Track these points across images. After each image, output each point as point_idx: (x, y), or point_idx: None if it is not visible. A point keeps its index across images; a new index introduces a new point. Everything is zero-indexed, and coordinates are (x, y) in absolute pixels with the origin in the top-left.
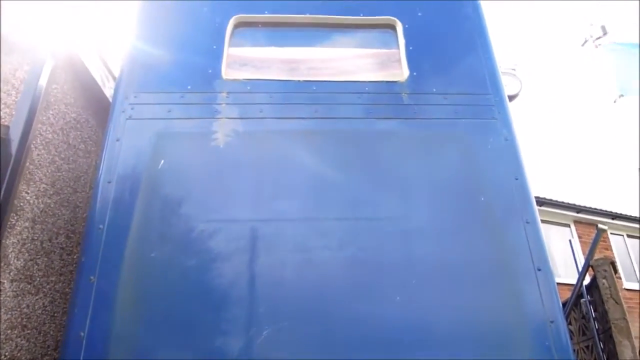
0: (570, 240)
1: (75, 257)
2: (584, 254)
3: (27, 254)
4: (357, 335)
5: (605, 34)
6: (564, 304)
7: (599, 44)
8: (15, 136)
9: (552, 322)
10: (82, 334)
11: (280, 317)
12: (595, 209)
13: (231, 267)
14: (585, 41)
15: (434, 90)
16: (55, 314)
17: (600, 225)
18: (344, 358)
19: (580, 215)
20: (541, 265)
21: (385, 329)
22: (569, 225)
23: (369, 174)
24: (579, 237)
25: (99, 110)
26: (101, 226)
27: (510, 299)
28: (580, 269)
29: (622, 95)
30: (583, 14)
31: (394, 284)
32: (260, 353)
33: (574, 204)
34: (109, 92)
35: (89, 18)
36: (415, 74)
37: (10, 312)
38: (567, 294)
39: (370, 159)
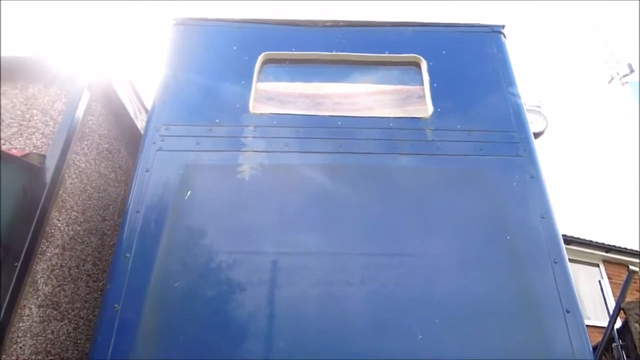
0: (600, 281)
1: (101, 284)
2: (614, 295)
3: (55, 280)
4: None
5: (632, 71)
6: (594, 348)
7: (626, 82)
8: (50, 165)
9: None
10: None
11: (301, 352)
12: (625, 248)
13: (252, 299)
14: (612, 78)
15: (458, 126)
16: (79, 341)
17: (631, 267)
18: None
19: (609, 254)
20: (570, 307)
21: None
22: (598, 265)
23: (393, 209)
24: (609, 277)
25: (131, 141)
26: (128, 254)
27: (538, 341)
28: (610, 312)
29: None
30: (609, 50)
31: (416, 322)
32: None
33: (603, 243)
34: (140, 124)
35: (124, 51)
36: (439, 110)
37: (35, 338)
38: (597, 337)
39: (394, 195)
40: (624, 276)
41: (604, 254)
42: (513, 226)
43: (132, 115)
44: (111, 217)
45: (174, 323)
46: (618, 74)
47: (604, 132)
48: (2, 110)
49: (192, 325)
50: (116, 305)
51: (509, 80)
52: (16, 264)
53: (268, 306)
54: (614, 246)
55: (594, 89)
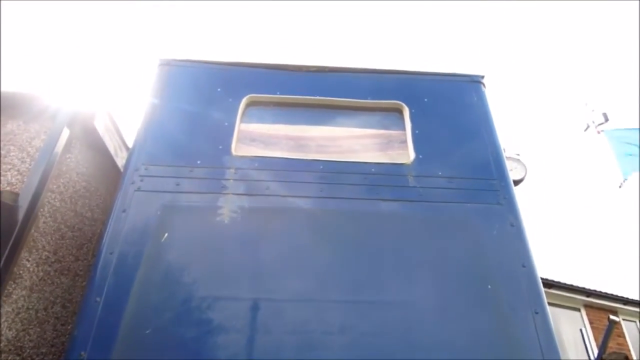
0: (581, 330)
1: (69, 327)
2: (595, 340)
3: (19, 324)
4: None
5: (606, 120)
6: None
7: (601, 130)
8: (24, 203)
9: None
10: None
11: None
12: (606, 293)
13: (228, 347)
14: (588, 127)
15: (440, 173)
16: None
17: (612, 317)
18: None
19: (590, 299)
20: (551, 358)
21: None
22: (579, 310)
23: (373, 256)
24: (590, 322)
25: (110, 179)
26: (98, 299)
27: None
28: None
29: (626, 180)
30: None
31: None
32: None
33: (584, 288)
34: (121, 161)
35: (107, 88)
36: (421, 156)
37: None
38: None
39: (374, 241)
40: (605, 321)
41: (585, 298)
42: (494, 275)
43: (112, 152)
44: (84, 257)
45: None
46: (594, 122)
47: (582, 179)
48: None
49: None
50: (83, 352)
51: (489, 129)
52: None
53: (244, 354)
54: (595, 291)
55: (570, 137)
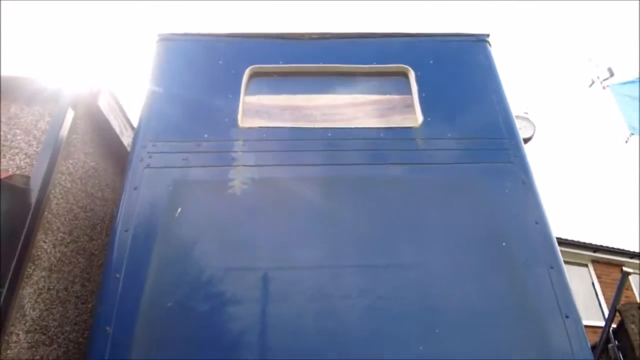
0: (593, 283)
1: (89, 305)
2: (603, 294)
3: (42, 304)
4: None
5: (612, 75)
6: (592, 349)
7: (607, 85)
8: (35, 186)
9: None
10: None
11: None
12: (612, 248)
13: (247, 317)
14: (593, 82)
15: (449, 135)
16: None
17: (625, 269)
18: None
19: (597, 254)
20: (569, 312)
21: None
22: (586, 265)
23: (386, 221)
24: (598, 277)
25: (118, 158)
26: (117, 275)
27: (538, 347)
28: (605, 313)
29: (632, 134)
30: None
31: (417, 334)
32: None
33: (591, 244)
34: (127, 140)
35: (108, 67)
36: (429, 119)
37: None
38: (590, 337)
39: (386, 205)
40: (613, 275)
41: (592, 254)
42: (508, 233)
43: (117, 131)
44: (99, 236)
45: (168, 343)
46: (598, 78)
47: (590, 135)
48: None
49: (186, 345)
50: (108, 328)
51: (496, 87)
52: (2, 289)
53: (264, 323)
54: (602, 246)
55: (576, 94)
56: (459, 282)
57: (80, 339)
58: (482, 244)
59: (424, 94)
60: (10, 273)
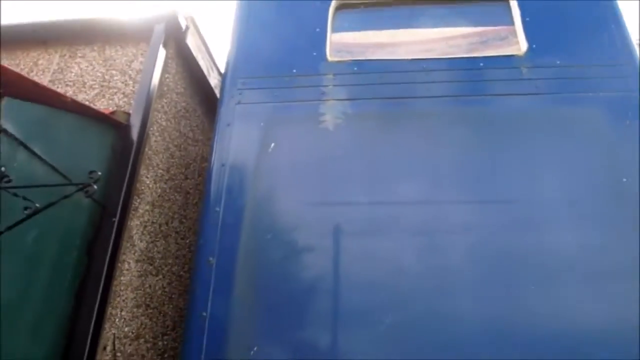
0: None
1: (188, 241)
2: None
3: (148, 236)
4: (487, 332)
5: None
6: None
7: None
8: (136, 123)
9: None
10: (205, 314)
11: (404, 307)
12: None
13: (348, 252)
14: None
15: (558, 62)
16: (173, 296)
17: None
18: (475, 358)
19: None
20: None
21: (522, 326)
22: None
23: (490, 154)
24: None
25: (204, 99)
26: (217, 208)
27: None
28: None
29: None
30: None
31: (528, 273)
32: (381, 348)
33: None
34: (213, 81)
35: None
36: (534, 46)
37: (135, 291)
38: None
39: (488, 139)
40: None
41: None
42: (628, 167)
43: (205, 72)
44: (192, 175)
45: (269, 277)
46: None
47: None
48: (83, 73)
49: (287, 279)
50: (211, 258)
51: (613, 9)
52: (114, 219)
53: (365, 258)
54: None
55: None
56: (575, 220)
57: (182, 272)
58: (599, 180)
59: (527, 19)
60: (120, 205)
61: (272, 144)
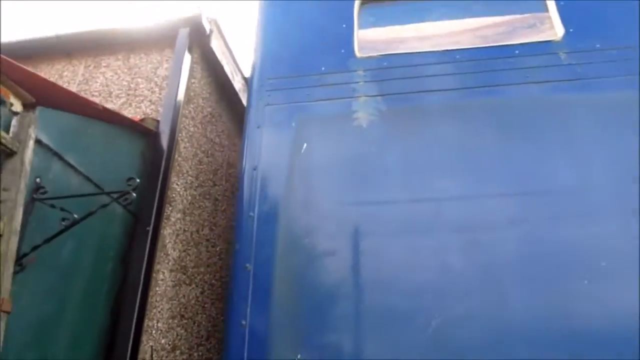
0: None
1: (218, 248)
2: None
3: (180, 245)
4: (536, 331)
5: None
6: None
7: None
8: (165, 129)
9: None
10: (244, 322)
11: (451, 306)
12: None
13: (390, 252)
14: None
15: (598, 46)
16: (205, 305)
17: None
18: (528, 358)
19: None
20: None
21: (574, 323)
22: None
23: (532, 145)
24: None
25: (229, 104)
26: (252, 213)
27: None
28: None
29: None
30: None
31: (578, 267)
32: (428, 348)
33: None
34: (237, 85)
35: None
36: (571, 30)
37: (170, 302)
38: None
39: (530, 128)
40: None
41: None
42: None
43: (229, 76)
44: (220, 181)
45: (309, 281)
46: None
47: None
48: (108, 83)
49: (328, 282)
50: (248, 265)
51: None
52: (148, 228)
53: (408, 256)
54: None
55: None
56: (623, 212)
57: (213, 280)
58: None
59: (562, 2)
60: (154, 214)
61: (305, 145)
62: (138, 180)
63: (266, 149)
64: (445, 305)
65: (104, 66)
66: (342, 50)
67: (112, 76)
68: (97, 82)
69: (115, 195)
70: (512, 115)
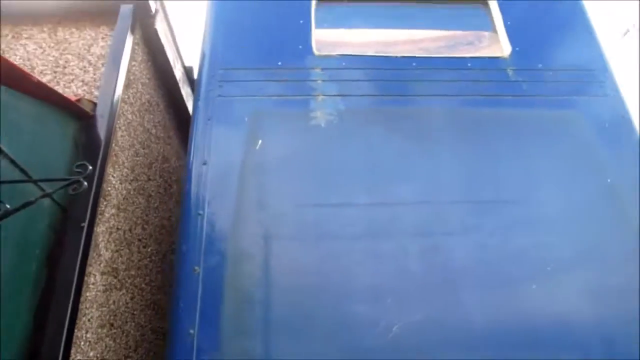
0: None
1: (149, 249)
2: None
3: (113, 245)
4: (492, 331)
5: None
6: None
7: None
8: (103, 113)
9: None
10: (192, 331)
11: (408, 309)
12: None
13: (347, 256)
14: (627, 31)
15: (540, 66)
16: (135, 312)
17: None
18: (480, 358)
19: None
20: None
21: (524, 323)
22: None
23: (482, 155)
24: None
25: (167, 92)
26: (200, 212)
27: None
28: None
29: None
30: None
31: (527, 272)
32: (388, 353)
33: None
34: (177, 73)
35: None
36: (517, 49)
37: (100, 309)
38: None
39: (479, 139)
40: None
41: None
42: (610, 168)
43: (171, 63)
44: (154, 176)
45: (263, 285)
46: (634, 26)
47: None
48: (30, 57)
49: (284, 289)
50: (196, 267)
51: (583, 17)
52: (83, 224)
53: (366, 262)
54: None
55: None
56: (567, 219)
57: (143, 285)
58: (586, 180)
59: (509, 22)
60: (89, 208)
61: (260, 141)
62: (90, 168)
63: (217, 144)
64: (404, 307)
65: (25, 37)
66: (300, 46)
67: (36, 49)
68: (16, 54)
69: (58, 185)
70: (463, 126)
